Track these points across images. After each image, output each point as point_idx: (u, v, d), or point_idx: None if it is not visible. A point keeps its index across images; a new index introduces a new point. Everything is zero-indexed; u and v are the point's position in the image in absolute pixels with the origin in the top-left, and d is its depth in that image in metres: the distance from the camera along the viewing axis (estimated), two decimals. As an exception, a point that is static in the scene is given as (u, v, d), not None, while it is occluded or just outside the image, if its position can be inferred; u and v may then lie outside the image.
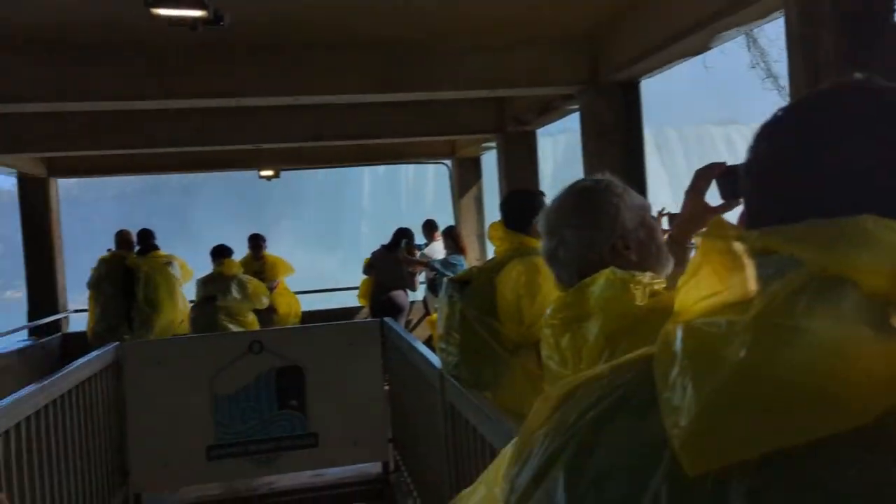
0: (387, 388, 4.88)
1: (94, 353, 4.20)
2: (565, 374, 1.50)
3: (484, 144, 7.41)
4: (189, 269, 7.30)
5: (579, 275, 1.56)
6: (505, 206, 3.06)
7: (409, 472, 4.35)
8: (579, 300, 1.50)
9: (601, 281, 1.47)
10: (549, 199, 1.79)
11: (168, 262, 6.94)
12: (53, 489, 3.32)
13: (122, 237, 7.16)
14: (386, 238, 7.62)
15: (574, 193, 1.67)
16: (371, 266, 7.46)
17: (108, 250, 6.84)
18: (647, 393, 0.52)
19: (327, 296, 9.57)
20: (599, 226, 1.60)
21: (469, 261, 7.14)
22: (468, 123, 6.43)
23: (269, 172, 7.96)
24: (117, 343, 4.58)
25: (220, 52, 4.02)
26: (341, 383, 4.73)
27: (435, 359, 3.27)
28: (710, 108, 65.40)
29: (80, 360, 3.98)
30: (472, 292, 2.80)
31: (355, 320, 6.75)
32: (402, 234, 7.48)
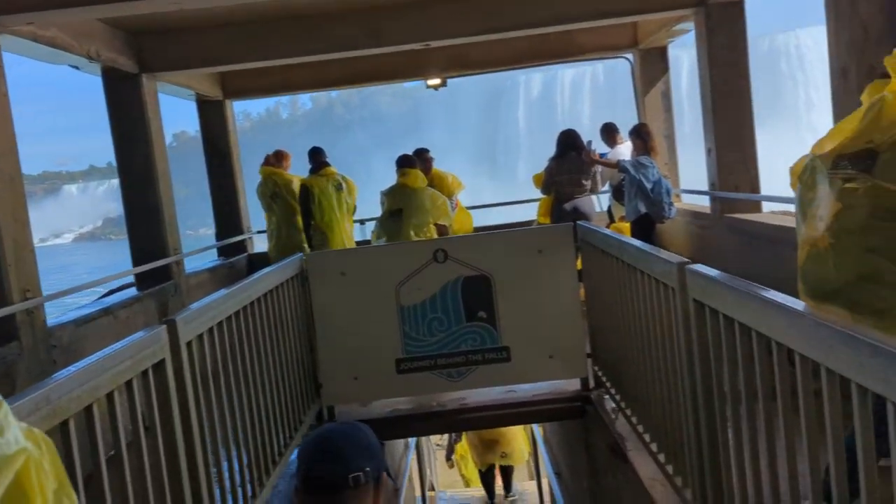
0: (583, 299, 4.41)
1: (279, 264, 4.05)
2: None
3: (674, 28, 6.48)
4: (355, 189, 7.14)
5: None
6: None
7: (616, 390, 3.87)
8: None
9: None
10: None
11: (338, 184, 6.79)
12: (251, 399, 3.19)
13: (273, 155, 7.03)
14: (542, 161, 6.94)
15: None
16: (548, 183, 6.82)
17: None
18: None
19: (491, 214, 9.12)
20: None
21: (658, 164, 6.37)
22: None
23: (437, 81, 7.54)
24: (301, 254, 4.44)
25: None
26: (533, 294, 4.31)
27: (665, 253, 2.71)
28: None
29: (267, 269, 3.84)
30: (888, 166, 2.01)
31: (545, 225, 6.24)
32: (569, 138, 6.73)
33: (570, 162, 6.58)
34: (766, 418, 1.88)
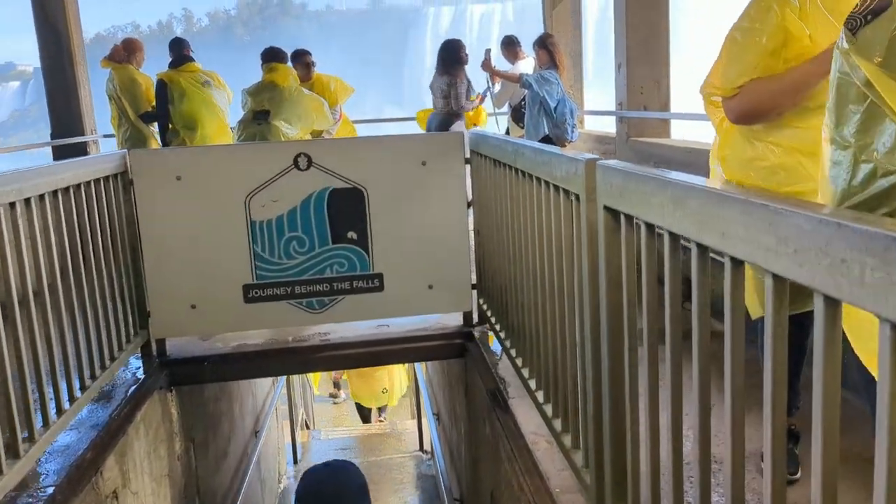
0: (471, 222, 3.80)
1: (89, 156, 3.18)
2: None
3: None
4: (229, 90, 6.18)
5: None
6: None
7: (501, 326, 3.30)
8: None
9: None
10: None
11: (205, 80, 5.81)
12: (47, 320, 2.41)
13: (122, 45, 6.00)
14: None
15: None
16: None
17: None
18: None
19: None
20: None
21: (564, 81, 5.77)
22: None
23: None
24: (124, 150, 3.55)
25: None
26: (414, 213, 3.65)
27: (570, 151, 2.08)
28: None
29: (69, 160, 2.96)
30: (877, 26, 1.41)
31: (431, 132, 5.52)
32: (448, 49, 5.93)
33: (453, 73, 5.81)
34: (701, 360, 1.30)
